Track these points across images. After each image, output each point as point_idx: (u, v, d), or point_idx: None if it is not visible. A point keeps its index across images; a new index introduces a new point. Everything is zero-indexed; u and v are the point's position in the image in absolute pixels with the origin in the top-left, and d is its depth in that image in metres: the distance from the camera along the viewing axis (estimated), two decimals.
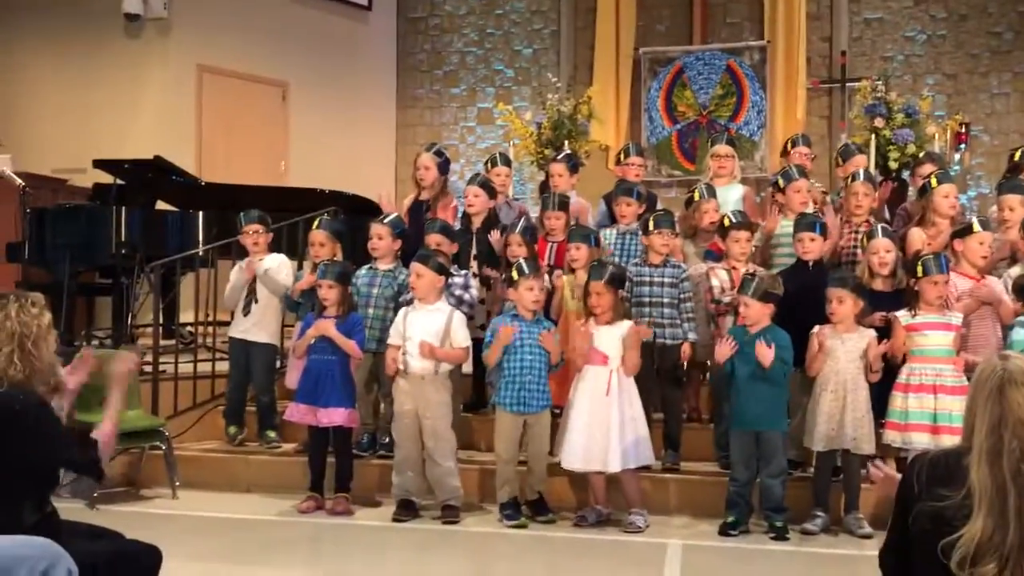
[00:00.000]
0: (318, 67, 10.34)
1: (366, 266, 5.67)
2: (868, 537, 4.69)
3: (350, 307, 5.27)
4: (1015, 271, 5.07)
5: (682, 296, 5.36)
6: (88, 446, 3.60)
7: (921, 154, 7.33)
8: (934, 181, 5.57)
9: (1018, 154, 6.02)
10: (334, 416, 5.14)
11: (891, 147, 8.09)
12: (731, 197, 6.10)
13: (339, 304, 5.22)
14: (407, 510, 5.05)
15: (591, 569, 4.35)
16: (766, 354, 4.70)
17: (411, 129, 11.09)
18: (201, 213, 7.18)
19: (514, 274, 5.06)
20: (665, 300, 5.33)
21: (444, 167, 6.30)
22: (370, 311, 5.50)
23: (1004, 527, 2.09)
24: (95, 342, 7.29)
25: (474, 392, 5.99)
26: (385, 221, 5.65)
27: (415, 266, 5.13)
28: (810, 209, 5.78)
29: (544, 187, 7.59)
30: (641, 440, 4.90)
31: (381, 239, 5.59)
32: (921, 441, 4.66)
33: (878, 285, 5.16)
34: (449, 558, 4.54)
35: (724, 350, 4.79)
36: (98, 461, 3.55)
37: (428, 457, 5.04)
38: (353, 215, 6.99)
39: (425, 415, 5.01)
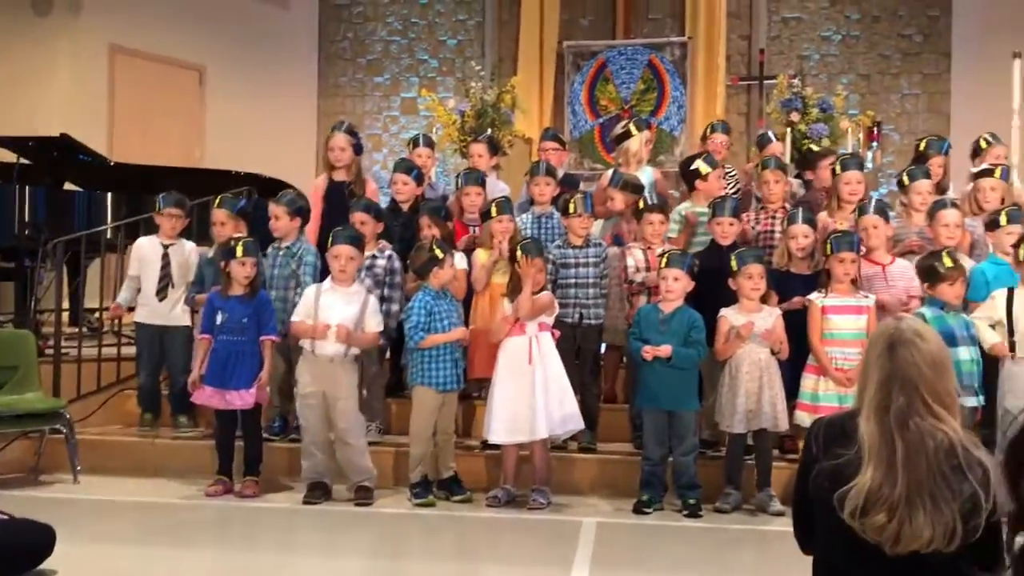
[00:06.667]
0: (236, 52, 10.13)
1: (272, 246, 5.54)
2: (780, 514, 4.75)
3: (258, 286, 5.13)
4: None
5: (603, 274, 5.40)
6: None
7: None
8: (838, 168, 5.71)
9: (923, 144, 6.19)
10: (246, 398, 5.00)
11: (806, 141, 8.26)
12: (643, 180, 6.13)
13: (251, 282, 5.08)
14: (318, 491, 4.95)
15: (506, 546, 4.32)
16: (661, 352, 4.77)
17: (333, 117, 10.78)
18: (110, 194, 6.96)
19: (437, 252, 4.99)
20: (590, 280, 5.35)
21: (358, 148, 6.19)
22: (272, 292, 5.35)
23: (892, 478, 2.15)
24: None
25: (393, 375, 5.90)
26: (282, 200, 5.50)
27: (349, 250, 4.96)
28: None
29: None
30: (567, 405, 4.87)
31: (279, 219, 5.44)
32: None
33: (796, 268, 5.26)
34: (360, 539, 4.45)
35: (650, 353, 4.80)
36: None
37: (338, 439, 4.95)
38: (269, 198, 6.82)
39: (337, 396, 4.92)
